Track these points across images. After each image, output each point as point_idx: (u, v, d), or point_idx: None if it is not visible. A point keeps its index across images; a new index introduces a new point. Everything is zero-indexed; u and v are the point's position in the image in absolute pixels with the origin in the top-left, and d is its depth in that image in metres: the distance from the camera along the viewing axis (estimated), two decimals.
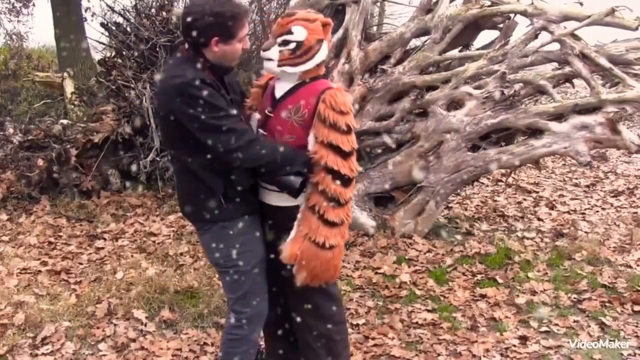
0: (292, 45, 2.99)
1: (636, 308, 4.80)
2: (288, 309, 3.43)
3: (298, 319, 3.39)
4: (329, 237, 3.01)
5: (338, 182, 2.98)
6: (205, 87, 2.84)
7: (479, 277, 5.27)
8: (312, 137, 3.01)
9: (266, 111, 3.14)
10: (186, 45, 3.01)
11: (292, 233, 3.10)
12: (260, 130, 3.15)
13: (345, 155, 2.98)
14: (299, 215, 3.11)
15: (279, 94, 3.14)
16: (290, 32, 3.00)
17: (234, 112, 2.94)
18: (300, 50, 3.01)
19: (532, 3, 5.69)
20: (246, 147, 2.90)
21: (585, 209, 7.42)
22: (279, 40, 3.02)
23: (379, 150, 6.24)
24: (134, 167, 6.98)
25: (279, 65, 3.04)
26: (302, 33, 3.00)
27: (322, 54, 3.08)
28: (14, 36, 12.61)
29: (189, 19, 2.90)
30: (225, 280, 3.25)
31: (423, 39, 6.34)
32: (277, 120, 3.10)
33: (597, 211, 7.37)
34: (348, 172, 3.00)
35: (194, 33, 2.91)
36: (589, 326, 4.52)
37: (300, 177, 3.02)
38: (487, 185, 8.29)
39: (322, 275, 3.11)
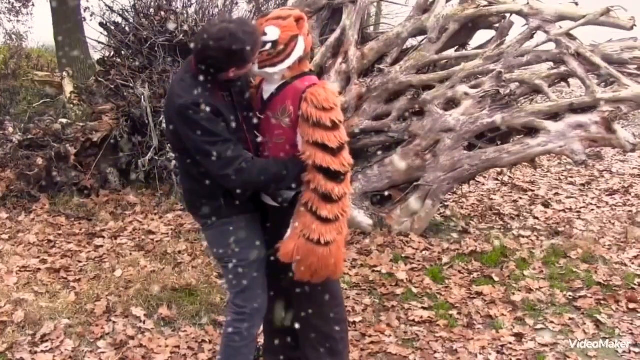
0: (267, 46, 3.01)
1: (631, 306, 4.84)
2: (289, 306, 3.46)
3: (299, 317, 3.42)
4: (323, 234, 3.01)
5: (329, 178, 2.98)
6: (204, 111, 2.90)
7: (475, 275, 5.30)
8: (300, 140, 3.03)
9: (257, 113, 3.17)
10: (195, 62, 3.03)
11: (289, 231, 3.12)
12: (255, 132, 3.19)
13: (334, 151, 2.98)
14: (294, 213, 3.13)
15: (265, 95, 3.16)
16: (264, 33, 3.02)
17: (229, 136, 2.98)
18: (276, 50, 3.02)
19: (528, 3, 5.73)
20: (235, 174, 2.96)
21: (581, 208, 7.46)
22: None
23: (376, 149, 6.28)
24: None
25: (259, 68, 3.06)
26: (275, 32, 3.01)
27: (299, 49, 3.08)
28: (13, 36, 12.59)
29: (204, 52, 2.91)
30: (226, 275, 3.33)
31: (420, 38, 6.37)
32: (267, 122, 3.13)
33: (593, 209, 7.42)
34: (339, 167, 3.00)
35: (210, 67, 2.95)
36: (585, 324, 4.56)
37: (292, 191, 3.08)
38: (483, 184, 8.32)
39: (321, 272, 3.11)
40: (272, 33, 3.02)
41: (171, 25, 7.32)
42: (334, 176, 2.99)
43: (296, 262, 3.10)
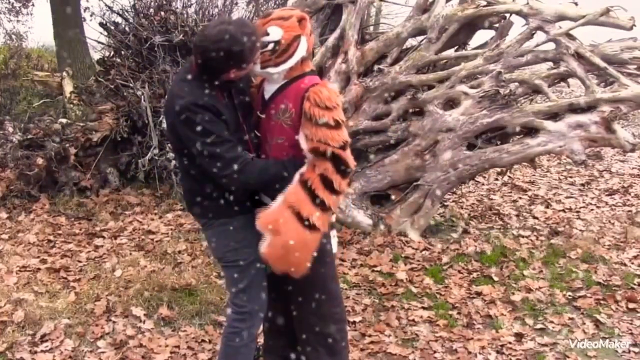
0: (270, 46, 3.01)
1: (631, 305, 4.85)
2: (289, 306, 3.45)
3: (298, 317, 3.42)
4: (312, 215, 2.98)
5: (337, 170, 2.98)
6: (204, 111, 2.92)
7: (474, 274, 5.31)
8: (303, 136, 3.03)
9: (258, 113, 3.18)
10: (195, 63, 3.04)
11: (275, 202, 3.05)
12: (255, 132, 3.19)
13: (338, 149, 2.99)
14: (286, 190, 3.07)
15: (267, 95, 3.17)
16: (266, 34, 3.02)
17: (229, 137, 2.99)
18: (279, 50, 3.03)
19: (528, 3, 5.73)
20: (235, 175, 2.97)
21: (580, 208, 7.46)
22: None
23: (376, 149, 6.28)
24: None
25: (261, 68, 3.07)
26: (278, 32, 3.02)
27: (302, 49, 3.09)
28: (13, 36, 12.60)
29: (204, 54, 2.92)
30: (227, 275, 3.35)
31: (419, 38, 6.37)
32: (268, 121, 3.13)
33: (592, 209, 7.42)
34: (348, 158, 3.01)
35: (211, 68, 2.96)
36: (584, 324, 4.57)
37: None
38: (483, 184, 8.33)
39: (289, 258, 3.03)
40: (275, 33, 3.02)
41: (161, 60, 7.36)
42: (342, 169, 3.00)
43: (271, 236, 3.01)
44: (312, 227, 2.99)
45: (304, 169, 3.06)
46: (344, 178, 3.03)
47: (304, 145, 3.03)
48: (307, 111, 2.98)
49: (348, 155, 3.03)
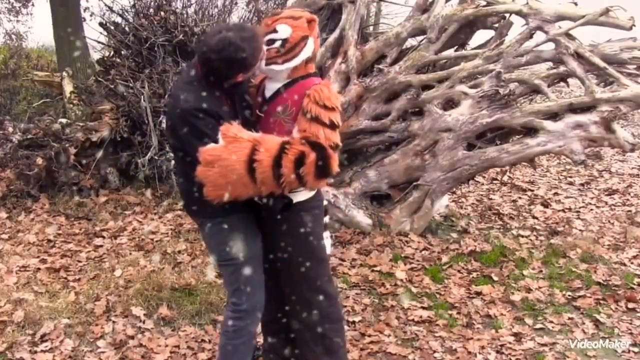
0: (277, 44, 3.03)
1: (630, 305, 4.85)
2: (286, 306, 3.46)
3: (295, 317, 3.42)
4: (261, 161, 2.87)
5: (316, 163, 2.91)
6: (206, 116, 2.94)
7: (474, 274, 5.30)
8: (296, 132, 3.01)
9: (257, 111, 3.18)
10: (199, 70, 3.05)
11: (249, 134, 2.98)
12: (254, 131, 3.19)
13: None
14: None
15: (268, 93, 3.18)
16: (275, 31, 3.04)
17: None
18: (286, 48, 3.04)
19: (527, 3, 5.73)
20: None
21: (580, 207, 7.46)
22: (265, 39, 3.06)
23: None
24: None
25: (266, 64, 3.08)
26: (287, 31, 3.04)
27: (308, 50, 3.11)
28: (13, 36, 12.63)
29: (207, 64, 2.95)
30: (224, 273, 3.37)
31: (419, 38, 6.37)
32: (268, 120, 3.13)
33: (592, 209, 7.42)
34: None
35: (217, 76, 2.98)
36: (584, 323, 4.57)
37: (285, 199, 3.09)
38: (483, 184, 8.33)
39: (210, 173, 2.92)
40: (284, 31, 3.04)
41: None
42: (321, 165, 2.93)
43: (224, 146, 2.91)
44: (253, 160, 2.88)
45: (294, 136, 2.99)
46: (318, 178, 2.96)
47: (296, 135, 2.98)
48: (305, 107, 2.98)
49: (334, 158, 2.99)
